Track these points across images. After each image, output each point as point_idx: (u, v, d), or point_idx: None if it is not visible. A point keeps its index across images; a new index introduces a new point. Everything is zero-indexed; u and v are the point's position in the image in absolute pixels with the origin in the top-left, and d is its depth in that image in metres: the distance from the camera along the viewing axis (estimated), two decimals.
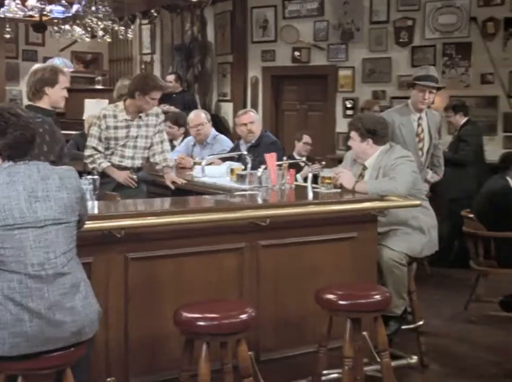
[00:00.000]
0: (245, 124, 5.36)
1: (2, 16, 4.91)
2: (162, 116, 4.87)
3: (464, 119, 6.61)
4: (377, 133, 4.04)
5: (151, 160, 4.82)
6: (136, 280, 3.16)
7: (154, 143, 4.75)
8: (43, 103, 3.82)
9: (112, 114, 4.65)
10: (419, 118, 4.71)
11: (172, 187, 4.71)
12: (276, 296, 3.50)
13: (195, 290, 3.25)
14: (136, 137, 4.68)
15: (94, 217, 2.97)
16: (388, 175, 3.92)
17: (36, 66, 4.13)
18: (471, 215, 5.09)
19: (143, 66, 10.07)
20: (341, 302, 3.10)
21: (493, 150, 6.78)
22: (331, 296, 3.14)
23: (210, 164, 5.07)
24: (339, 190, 3.95)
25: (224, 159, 5.18)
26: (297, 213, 3.49)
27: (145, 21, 8.80)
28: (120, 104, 4.72)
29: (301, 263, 3.56)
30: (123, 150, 4.67)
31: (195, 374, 2.82)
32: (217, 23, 9.33)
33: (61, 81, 3.86)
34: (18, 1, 4.80)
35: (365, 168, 4.12)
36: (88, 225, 2.80)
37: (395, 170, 3.91)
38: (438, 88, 4.73)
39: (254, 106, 8.68)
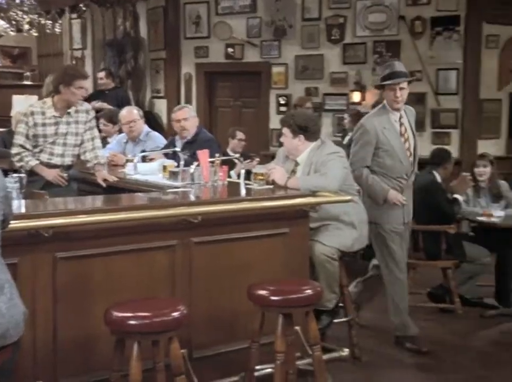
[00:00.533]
0: (179, 121, 5.33)
1: None
2: (92, 113, 4.78)
3: None
4: (308, 129, 4.08)
5: (82, 157, 4.73)
6: (65, 280, 3.09)
7: (85, 140, 4.66)
8: None
9: (40, 111, 4.54)
10: (400, 117, 4.36)
11: (104, 184, 4.63)
12: (209, 293, 3.49)
13: (126, 289, 3.21)
14: (66, 134, 4.58)
15: (20, 216, 2.89)
16: (319, 171, 3.97)
17: None
18: None
19: (74, 62, 9.86)
20: (272, 298, 3.12)
21: (421, 146, 6.94)
22: (262, 292, 3.15)
23: (147, 160, 5.06)
24: (271, 187, 3.98)
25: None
26: (229, 210, 3.49)
27: (75, 15, 8.62)
28: (48, 100, 4.61)
29: (234, 259, 3.56)
30: (52, 148, 4.56)
31: (126, 374, 2.79)
32: (150, 18, 9.24)
33: None
34: None
35: (297, 164, 4.16)
36: (15, 224, 2.70)
37: (326, 165, 3.96)
38: (410, 81, 4.34)
39: (188, 102, 8.64)
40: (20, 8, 5.18)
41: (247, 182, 4.12)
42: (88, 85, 4.58)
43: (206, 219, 3.40)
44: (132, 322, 2.74)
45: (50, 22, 5.82)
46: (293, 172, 4.16)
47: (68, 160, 4.63)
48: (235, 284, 3.52)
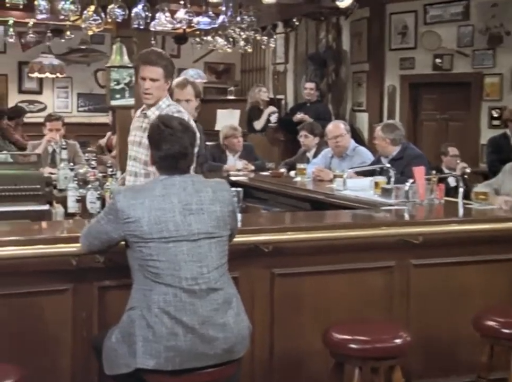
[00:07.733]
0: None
1: (152, 29, 5.00)
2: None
3: None
4: None
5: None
6: (281, 297, 3.08)
7: None
8: None
9: None
10: None
11: None
12: (428, 320, 3.29)
13: (340, 309, 3.13)
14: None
15: (240, 231, 2.91)
16: None
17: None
18: None
19: (275, 76, 10.08)
20: (504, 330, 2.85)
21: None
22: (492, 323, 2.89)
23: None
24: (494, 206, 3.68)
25: (365, 173, 5.02)
26: (453, 231, 3.27)
27: (287, 29, 8.75)
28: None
29: (456, 284, 3.34)
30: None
31: None
32: (353, 30, 9.17)
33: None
34: (168, 14, 4.87)
35: None
36: (237, 238, 2.74)
37: None
38: None
39: (391, 116, 8.43)
40: (239, 25, 5.35)
41: (465, 201, 3.86)
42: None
43: (427, 240, 3.20)
44: (353, 346, 2.64)
45: (265, 37, 5.95)
46: None
47: None
48: (457, 310, 3.30)
